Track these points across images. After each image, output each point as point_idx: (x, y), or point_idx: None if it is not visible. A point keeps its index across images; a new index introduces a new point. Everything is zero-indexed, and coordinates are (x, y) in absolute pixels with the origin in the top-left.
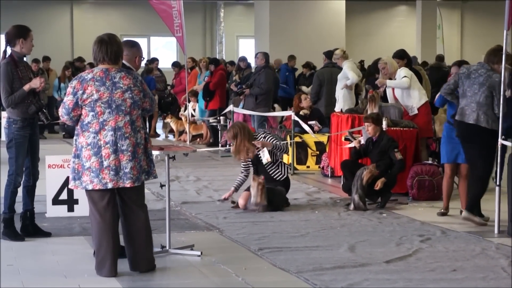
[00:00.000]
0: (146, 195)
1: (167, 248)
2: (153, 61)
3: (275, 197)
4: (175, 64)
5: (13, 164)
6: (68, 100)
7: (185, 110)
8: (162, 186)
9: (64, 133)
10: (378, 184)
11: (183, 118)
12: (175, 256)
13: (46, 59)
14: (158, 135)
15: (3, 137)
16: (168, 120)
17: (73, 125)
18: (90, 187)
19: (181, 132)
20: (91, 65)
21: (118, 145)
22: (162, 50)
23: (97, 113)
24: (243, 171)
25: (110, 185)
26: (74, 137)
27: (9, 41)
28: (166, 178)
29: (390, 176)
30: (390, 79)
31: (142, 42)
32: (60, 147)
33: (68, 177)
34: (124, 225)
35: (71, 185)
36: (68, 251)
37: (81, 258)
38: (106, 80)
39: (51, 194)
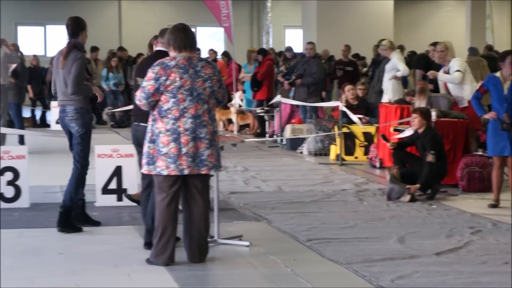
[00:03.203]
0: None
1: (216, 238)
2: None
3: None
4: (225, 54)
5: (87, 154)
6: (149, 85)
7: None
8: (210, 176)
9: (112, 123)
10: (409, 195)
11: (231, 108)
12: (224, 246)
13: (94, 49)
14: None
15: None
16: None
17: (147, 110)
18: (165, 173)
19: (229, 121)
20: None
21: (197, 132)
22: (209, 40)
23: (178, 100)
24: None
25: (186, 171)
26: (150, 122)
27: (75, 32)
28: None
29: (423, 182)
30: (443, 65)
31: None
32: (109, 137)
33: (117, 167)
34: (186, 214)
35: (144, 169)
36: (118, 241)
37: (131, 247)
38: (189, 68)
39: (101, 183)
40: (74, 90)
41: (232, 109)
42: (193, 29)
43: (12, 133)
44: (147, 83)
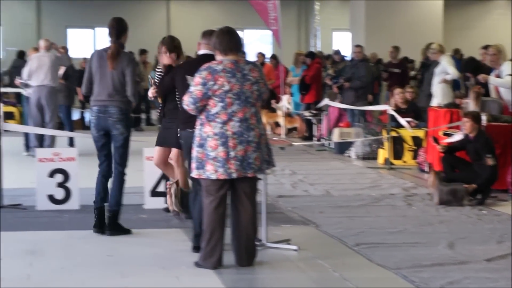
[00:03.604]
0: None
1: (264, 241)
2: (242, 53)
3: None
4: (273, 57)
5: (128, 157)
6: (196, 90)
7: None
8: (258, 179)
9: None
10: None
11: (278, 112)
12: (272, 250)
13: (143, 52)
14: None
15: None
16: None
17: (195, 114)
18: (214, 177)
19: (276, 124)
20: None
21: (245, 136)
22: (257, 43)
23: (226, 104)
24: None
25: (235, 175)
26: (198, 127)
27: (119, 34)
28: None
29: (482, 184)
30: (494, 69)
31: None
32: None
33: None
34: (233, 217)
35: (193, 173)
36: (166, 243)
37: (179, 250)
38: (236, 72)
39: (149, 186)
40: (134, 91)
41: (280, 112)
42: (240, 32)
43: (62, 135)
44: (195, 88)
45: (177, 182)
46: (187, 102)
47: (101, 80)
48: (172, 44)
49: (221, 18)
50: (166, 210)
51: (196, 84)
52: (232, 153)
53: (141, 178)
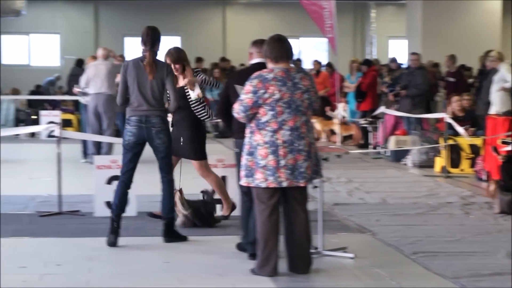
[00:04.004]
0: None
1: (320, 249)
2: (297, 61)
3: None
4: (328, 65)
5: (171, 165)
6: (247, 98)
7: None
8: (315, 187)
9: (216, 133)
10: None
11: (334, 119)
12: (328, 258)
13: (199, 60)
14: None
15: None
16: (313, 120)
17: (245, 122)
18: (263, 185)
19: (332, 132)
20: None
21: (295, 144)
22: (312, 51)
23: (277, 113)
24: None
25: (285, 184)
26: (247, 135)
27: (155, 42)
28: (318, 179)
29: None
30: None
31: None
32: (213, 147)
33: (222, 177)
34: (286, 225)
35: (242, 181)
36: (222, 250)
37: (235, 257)
38: (287, 80)
39: None
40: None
41: (335, 120)
42: (296, 40)
43: (119, 143)
44: (246, 96)
45: (180, 191)
46: (238, 110)
47: (140, 89)
48: (177, 56)
49: (277, 26)
50: (150, 215)
51: (247, 92)
52: (282, 162)
53: (196, 185)
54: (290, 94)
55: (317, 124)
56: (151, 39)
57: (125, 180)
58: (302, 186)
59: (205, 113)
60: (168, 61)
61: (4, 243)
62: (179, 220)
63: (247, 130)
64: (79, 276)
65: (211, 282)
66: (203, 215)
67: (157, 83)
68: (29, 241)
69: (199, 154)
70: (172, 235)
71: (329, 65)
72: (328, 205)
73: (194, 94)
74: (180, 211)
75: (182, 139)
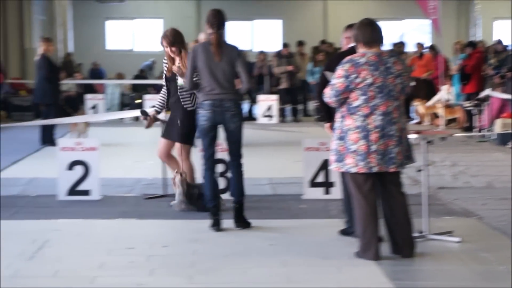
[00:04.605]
0: (401, 180)
1: (425, 233)
2: (400, 45)
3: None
4: (432, 47)
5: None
6: (339, 82)
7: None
8: (419, 170)
9: (318, 116)
10: None
11: (438, 103)
12: (433, 242)
13: (300, 43)
14: (411, 119)
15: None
16: (416, 103)
17: (336, 107)
18: (354, 170)
19: (436, 115)
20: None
21: (386, 130)
22: (414, 33)
23: (369, 98)
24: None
25: (375, 169)
26: (338, 119)
27: (221, 25)
28: (423, 162)
29: None
30: None
31: (392, 25)
32: (315, 130)
33: (325, 160)
34: (385, 209)
35: (333, 166)
36: (326, 233)
37: (339, 240)
38: (379, 65)
39: (308, 176)
40: (250, 82)
41: (439, 104)
42: (398, 22)
43: None
44: (337, 80)
45: (181, 173)
46: (329, 95)
47: (211, 73)
48: (172, 39)
49: (378, 8)
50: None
51: (338, 76)
52: (373, 147)
53: (299, 169)
54: (382, 78)
55: (420, 107)
56: (218, 22)
57: (210, 166)
58: (392, 172)
59: (189, 102)
60: (164, 44)
61: (111, 224)
62: (175, 202)
63: (338, 115)
64: (185, 257)
65: (315, 264)
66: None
67: (227, 65)
68: (136, 223)
69: (185, 138)
70: (240, 220)
71: (432, 47)
72: (432, 189)
73: (180, 80)
74: (180, 194)
75: (178, 122)
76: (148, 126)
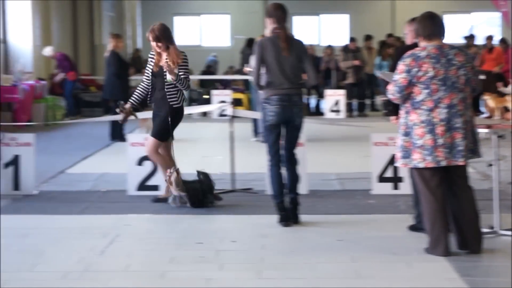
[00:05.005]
0: (470, 174)
1: (496, 229)
2: (471, 37)
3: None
4: (502, 41)
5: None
6: (401, 78)
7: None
8: (489, 165)
9: (386, 111)
10: None
11: (507, 96)
12: (504, 237)
13: (368, 38)
14: (480, 113)
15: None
16: (486, 97)
17: (400, 103)
18: (421, 165)
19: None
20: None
21: (452, 122)
22: (484, 26)
23: (432, 91)
24: (145, 79)
25: (443, 163)
26: (403, 115)
27: (285, 18)
28: (494, 157)
29: None
30: None
31: (461, 18)
32: (383, 125)
33: (393, 155)
34: (453, 203)
35: (399, 163)
36: (395, 229)
37: (408, 235)
38: (440, 57)
39: (377, 171)
40: (315, 78)
41: (508, 97)
42: (467, 15)
43: None
44: (399, 76)
45: (177, 171)
46: (393, 91)
47: (280, 68)
48: (159, 34)
49: (447, 2)
50: (156, 200)
51: (400, 72)
52: (440, 141)
53: (367, 164)
54: (444, 71)
55: (490, 101)
56: (283, 15)
57: (276, 163)
58: (461, 164)
59: (175, 99)
60: (150, 38)
61: (180, 219)
62: (170, 199)
63: (402, 111)
64: (254, 252)
65: (385, 260)
66: (198, 195)
67: (295, 60)
68: (205, 218)
69: (157, 133)
70: (296, 217)
71: (503, 40)
72: (503, 184)
73: (169, 76)
74: (175, 190)
75: (162, 118)
76: (123, 120)
